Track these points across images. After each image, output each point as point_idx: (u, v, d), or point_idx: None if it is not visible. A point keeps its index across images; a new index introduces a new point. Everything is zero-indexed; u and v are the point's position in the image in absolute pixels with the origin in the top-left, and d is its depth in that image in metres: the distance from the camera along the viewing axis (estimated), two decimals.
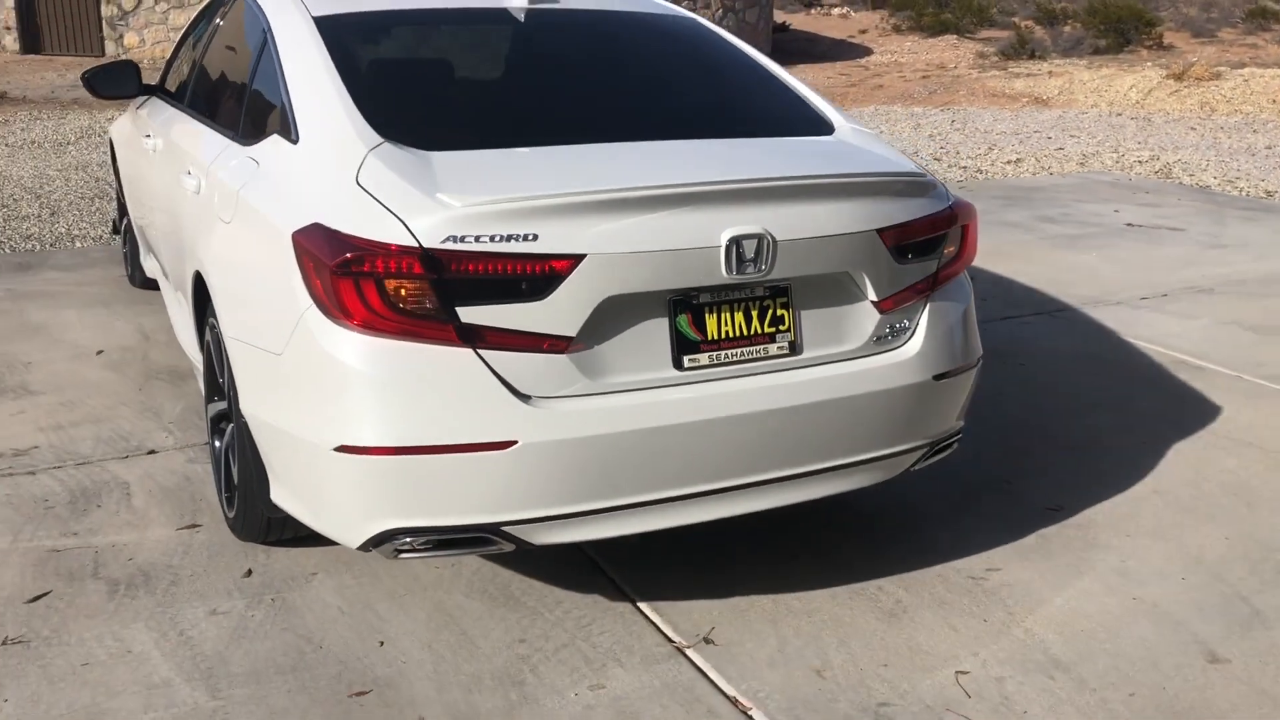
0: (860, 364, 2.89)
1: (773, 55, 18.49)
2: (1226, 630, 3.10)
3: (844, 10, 31.53)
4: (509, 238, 2.46)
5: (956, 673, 2.88)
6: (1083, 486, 3.93)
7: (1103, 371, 5.08)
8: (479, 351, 2.50)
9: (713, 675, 2.83)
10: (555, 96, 3.27)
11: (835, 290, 2.86)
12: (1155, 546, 3.54)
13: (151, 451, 3.94)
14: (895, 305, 2.93)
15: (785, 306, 2.80)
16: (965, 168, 10.73)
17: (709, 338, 2.71)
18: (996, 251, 7.17)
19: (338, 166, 2.69)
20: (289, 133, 2.95)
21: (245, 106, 3.37)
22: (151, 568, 3.21)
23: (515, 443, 2.50)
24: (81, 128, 11.38)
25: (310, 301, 2.55)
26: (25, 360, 4.73)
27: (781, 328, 2.80)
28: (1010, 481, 3.95)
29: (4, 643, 2.85)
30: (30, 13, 16.87)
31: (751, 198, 2.66)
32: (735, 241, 2.63)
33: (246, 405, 2.88)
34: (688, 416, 2.66)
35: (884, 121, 13.75)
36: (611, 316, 2.59)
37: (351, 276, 2.47)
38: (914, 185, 2.96)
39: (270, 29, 3.32)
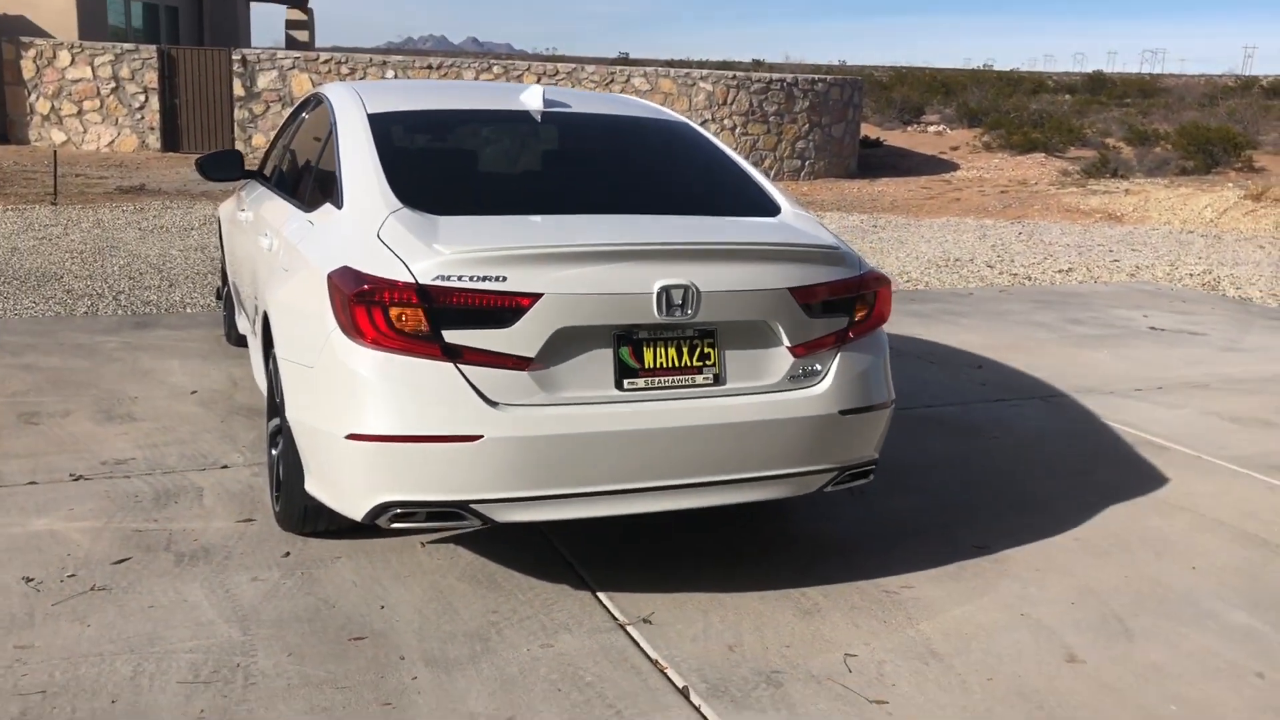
0: (775, 396, 3.56)
1: (859, 169, 19.29)
2: (1093, 641, 3.63)
3: (940, 128, 32.39)
4: (484, 278, 3.23)
5: (846, 655, 3.46)
6: (1013, 533, 4.47)
7: (1071, 447, 5.60)
8: (458, 365, 3.25)
9: (643, 645, 3.47)
10: (549, 179, 4.09)
11: (756, 335, 3.55)
12: (1058, 579, 4.07)
13: (224, 466, 4.76)
14: (808, 351, 3.61)
15: (712, 346, 3.50)
16: (1015, 274, 11.27)
17: (645, 366, 3.42)
18: (1014, 346, 7.71)
19: (367, 225, 3.51)
20: (338, 201, 3.78)
21: (311, 182, 4.24)
22: (211, 547, 3.98)
23: (481, 437, 3.23)
24: (205, 216, 12.67)
25: (335, 325, 3.34)
26: (133, 396, 5.64)
27: (708, 362, 3.49)
28: (948, 526, 4.51)
29: (93, 589, 3.63)
30: (172, 115, 18.65)
31: (681, 257, 3.39)
32: (665, 290, 3.35)
33: (290, 411, 3.67)
34: (624, 426, 3.35)
35: (952, 232, 14.36)
36: (565, 344, 3.32)
37: (365, 304, 3.25)
38: (825, 255, 3.65)
39: (335, 123, 4.20)
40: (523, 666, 3.30)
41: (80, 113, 18.47)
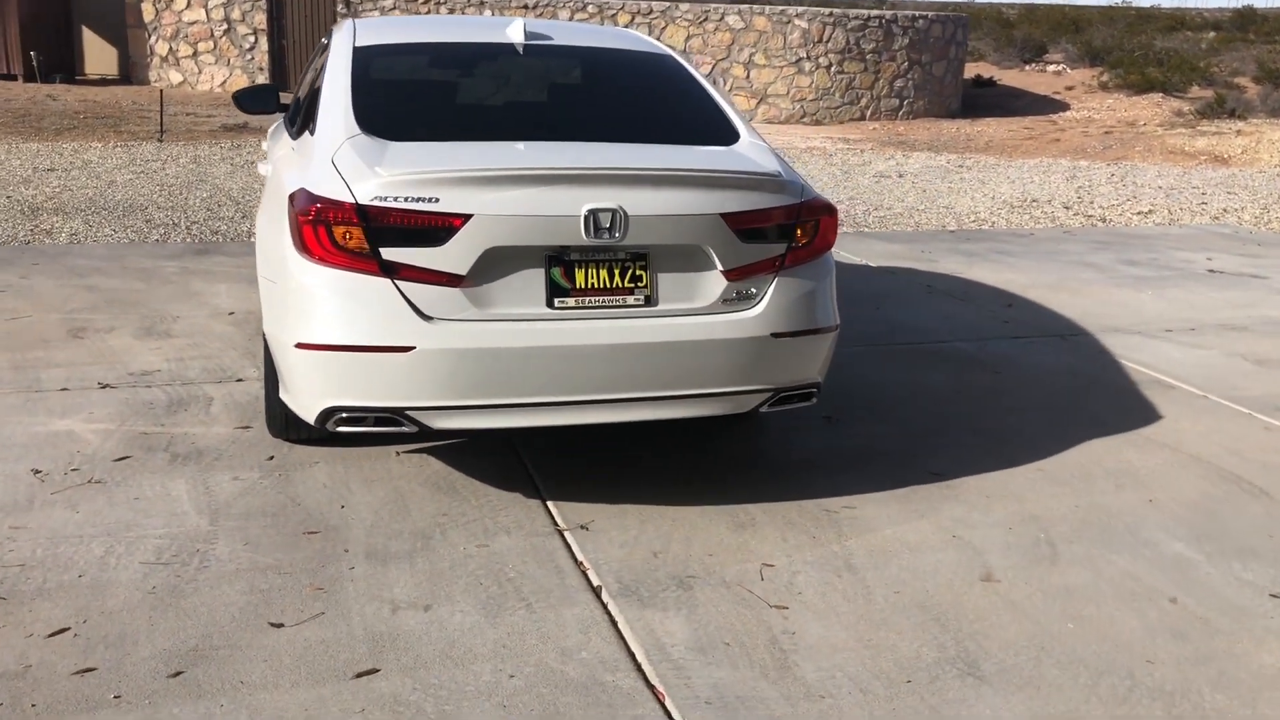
0: (706, 318, 3.71)
1: (962, 108, 18.88)
2: (1016, 563, 3.72)
3: (1060, 67, 31.27)
4: (418, 199, 3.45)
5: (763, 565, 3.63)
6: (974, 461, 4.54)
7: (1070, 383, 5.59)
8: (395, 281, 3.48)
9: (574, 548, 3.69)
10: (512, 108, 4.27)
11: (689, 259, 3.69)
12: (1003, 505, 4.15)
13: (239, 380, 5.12)
14: (742, 276, 3.74)
15: (644, 268, 3.66)
16: (1090, 216, 11.03)
17: (577, 286, 3.61)
18: (1056, 286, 7.63)
19: (327, 150, 3.75)
20: (313, 129, 4.04)
21: (301, 113, 4.51)
22: (205, 450, 4.33)
23: (414, 348, 3.47)
24: None
25: (290, 242, 3.61)
26: (175, 315, 6.06)
27: (640, 284, 3.66)
28: (912, 454, 4.60)
29: (90, 481, 4.01)
30: (280, 55, 19.31)
31: (609, 181, 3.55)
32: (593, 213, 3.52)
33: (265, 324, 3.97)
34: (553, 342, 3.55)
35: (1041, 173, 14.04)
36: (497, 263, 3.53)
37: (311, 223, 3.51)
38: (759, 182, 3.76)
39: (327, 57, 4.45)
40: (454, 562, 3.56)
41: (195, 54, 19.25)
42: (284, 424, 4.23)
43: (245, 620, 3.19)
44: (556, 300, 3.60)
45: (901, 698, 2.97)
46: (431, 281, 3.49)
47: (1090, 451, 4.70)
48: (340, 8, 18.96)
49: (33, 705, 2.79)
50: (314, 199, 3.54)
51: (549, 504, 4.00)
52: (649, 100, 4.51)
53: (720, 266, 3.71)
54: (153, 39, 19.13)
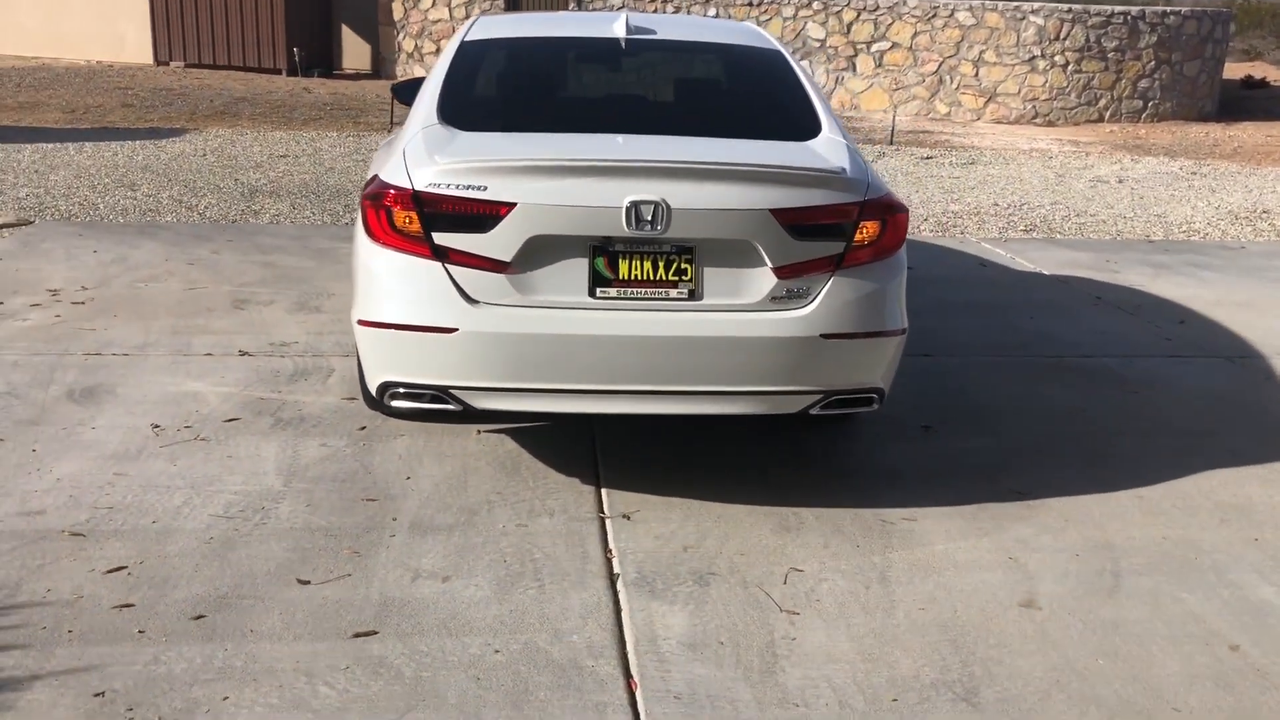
0: (752, 315, 3.67)
1: (1219, 111, 17.59)
2: (1068, 591, 3.50)
3: None
4: (467, 187, 3.58)
5: (791, 569, 3.57)
6: (1065, 482, 4.28)
7: (1215, 409, 5.16)
8: (445, 265, 3.63)
9: (609, 535, 3.74)
10: (589, 101, 4.34)
11: (738, 254, 3.66)
12: (1080, 531, 3.90)
13: None
14: (793, 274, 3.67)
15: (689, 262, 3.65)
16: None
17: (620, 277, 3.64)
18: (1246, 304, 7.03)
19: (405, 139, 3.95)
20: (407, 120, 4.25)
21: (412, 105, 4.74)
22: (308, 417, 4.63)
23: (457, 329, 3.60)
24: None
25: (361, 225, 3.82)
26: (330, 293, 6.47)
27: (684, 278, 3.66)
28: (999, 469, 4.39)
29: (196, 439, 4.38)
30: None
31: (653, 174, 3.56)
32: (635, 205, 3.54)
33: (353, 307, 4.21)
34: (593, 331, 3.61)
35: (1269, 180, 12.88)
36: (542, 251, 3.61)
37: (375, 207, 3.70)
38: (817, 179, 3.67)
39: (441, 51, 4.66)
40: (488, 538, 3.68)
41: (438, 50, 20.28)
42: (374, 397, 4.46)
43: (278, 575, 3.41)
44: (599, 290, 3.65)
45: (879, 715, 2.87)
46: (478, 266, 3.61)
47: (1206, 482, 4.34)
48: (572, 6, 19.56)
49: (69, 631, 3.09)
50: (380, 184, 3.73)
51: (602, 490, 4.06)
52: (736, 94, 4.48)
53: (770, 263, 3.66)
54: (400, 36, 20.31)
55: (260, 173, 10.72)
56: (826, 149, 3.93)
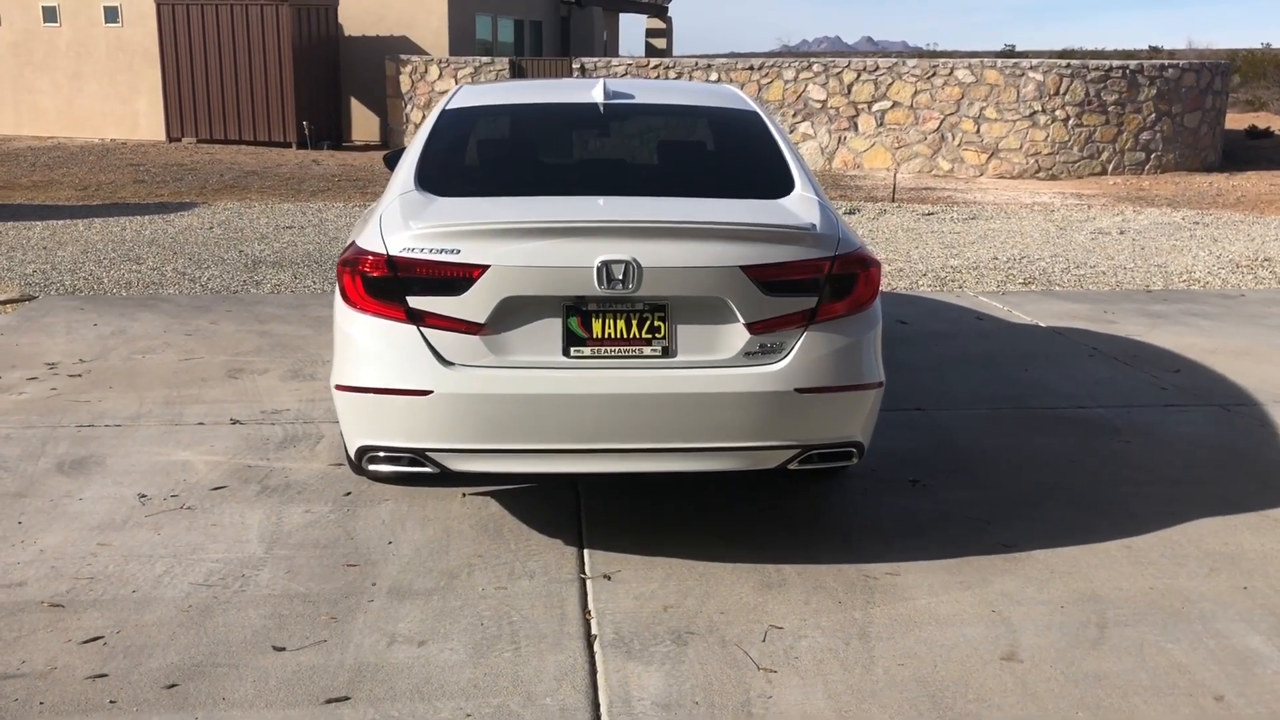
0: (726, 371, 3.68)
1: (1223, 161, 17.68)
2: (1050, 644, 3.45)
3: None
4: (440, 250, 3.62)
5: (771, 627, 3.54)
6: (1053, 534, 4.25)
7: (1209, 458, 5.12)
8: (420, 328, 3.66)
9: (589, 596, 3.72)
10: (564, 165, 4.39)
11: (710, 311, 3.68)
12: (1066, 583, 3.86)
13: None
14: (766, 329, 3.69)
15: (662, 319, 3.68)
16: None
17: (593, 336, 3.67)
18: (1244, 353, 7.00)
19: (384, 206, 4.00)
20: (388, 187, 4.31)
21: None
22: (294, 484, 4.65)
23: (432, 392, 3.62)
24: None
25: (339, 290, 3.86)
26: (325, 360, 6.51)
27: (658, 335, 3.68)
28: (988, 522, 4.35)
29: (181, 507, 4.39)
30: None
31: (623, 234, 3.60)
32: (606, 265, 3.58)
33: None
34: (568, 390, 3.62)
35: (1271, 228, 12.88)
36: (516, 312, 3.64)
37: (350, 272, 3.75)
38: (786, 235, 3.70)
39: (423, 120, 4.74)
40: (467, 602, 3.67)
41: None
42: (357, 462, 4.47)
43: (253, 642, 3.40)
44: (573, 349, 3.67)
45: None
46: (452, 329, 3.64)
47: (1197, 531, 4.29)
48: (576, 74, 19.85)
49: (41, 703, 3.08)
50: (356, 250, 3.78)
51: (585, 551, 4.05)
52: (711, 154, 4.53)
53: (742, 319, 3.67)
54: (408, 107, 20.63)
55: (265, 244, 10.85)
56: (798, 206, 3.96)
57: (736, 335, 3.69)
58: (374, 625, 3.51)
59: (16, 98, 21.92)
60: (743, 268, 3.64)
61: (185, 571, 3.85)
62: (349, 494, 4.54)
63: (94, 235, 11.04)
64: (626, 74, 19.58)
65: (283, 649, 3.37)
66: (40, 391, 5.78)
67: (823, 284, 3.74)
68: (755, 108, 4.80)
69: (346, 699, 3.12)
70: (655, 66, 19.56)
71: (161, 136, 20.77)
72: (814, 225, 3.78)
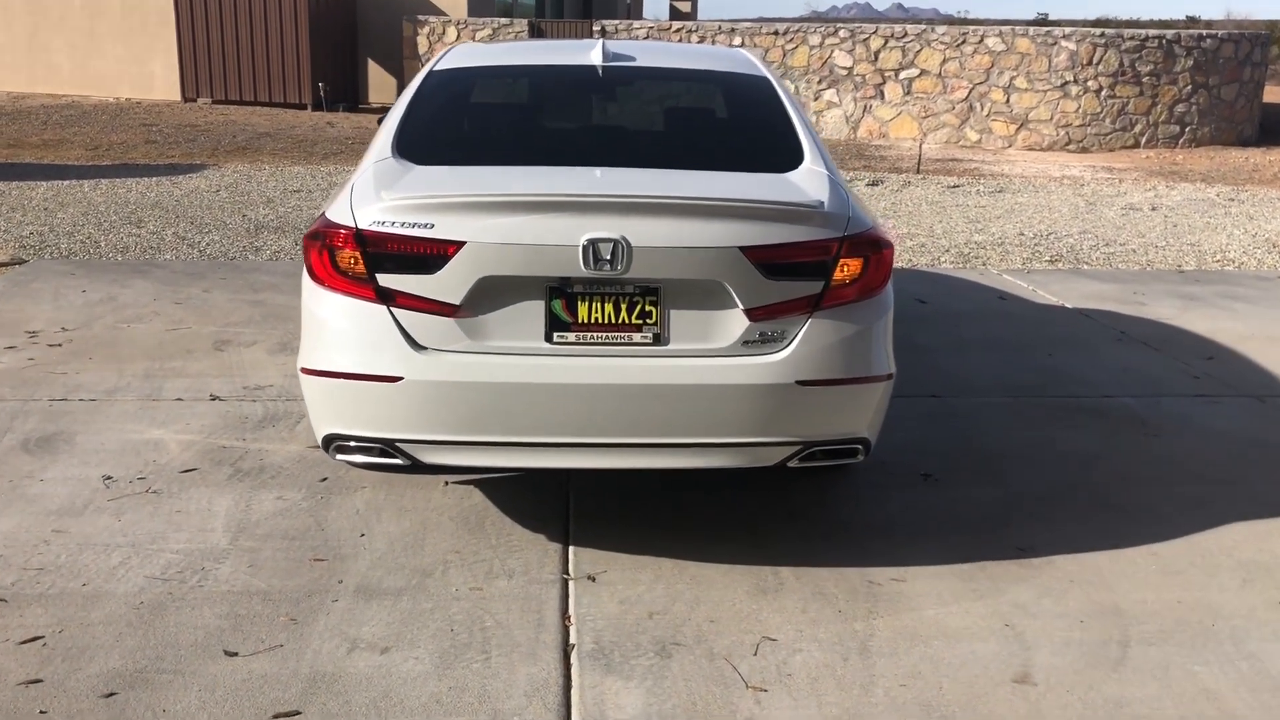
0: (722, 361, 3.38)
1: (1261, 135, 17.14)
2: (1068, 664, 3.17)
3: None
4: (413, 225, 3.33)
5: (764, 638, 3.27)
6: (1074, 537, 3.95)
7: (1244, 454, 4.80)
8: (390, 309, 3.38)
9: (571, 600, 3.46)
10: (556, 133, 4.07)
11: (706, 296, 3.38)
12: (1086, 593, 3.57)
13: None
14: (767, 316, 3.39)
15: (654, 304, 3.38)
16: None
17: (578, 321, 3.38)
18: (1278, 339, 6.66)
19: (357, 174, 3.71)
20: (365, 154, 4.02)
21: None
22: (269, 467, 4.39)
23: (402, 378, 3.35)
24: None
25: (305, 267, 3.59)
26: None
27: (649, 321, 3.38)
28: (1004, 523, 4.06)
29: (147, 491, 4.14)
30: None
31: (612, 210, 3.30)
32: (592, 243, 3.28)
33: None
34: (549, 380, 3.34)
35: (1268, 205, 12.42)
36: (494, 294, 3.35)
37: (316, 247, 3.47)
38: (791, 213, 3.39)
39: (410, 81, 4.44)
40: (438, 604, 3.41)
41: None
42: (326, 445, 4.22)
43: (204, 646, 3.16)
44: (556, 335, 3.38)
45: None
46: (425, 310, 3.36)
47: (1230, 536, 3.99)
48: (596, 36, 19.44)
49: None
50: (324, 222, 3.50)
51: (570, 548, 3.78)
52: (714, 124, 4.21)
53: (741, 305, 3.38)
54: None
55: (270, 208, 10.59)
56: (805, 181, 3.65)
57: (734, 322, 3.40)
58: (336, 629, 3.26)
59: (32, 57, 21.69)
60: (742, 249, 3.34)
61: (142, 563, 3.61)
62: (325, 480, 4.28)
63: (98, 197, 10.80)
64: (648, 36, 19.16)
65: (235, 654, 3.12)
66: (16, 362, 5.54)
67: (830, 267, 3.43)
68: (766, 73, 4.47)
69: (297, 714, 2.87)
70: (677, 30, 19.12)
71: (176, 97, 20.51)
72: (821, 203, 3.47)
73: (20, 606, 3.33)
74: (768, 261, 3.37)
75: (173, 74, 20.57)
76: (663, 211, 3.33)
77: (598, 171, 3.64)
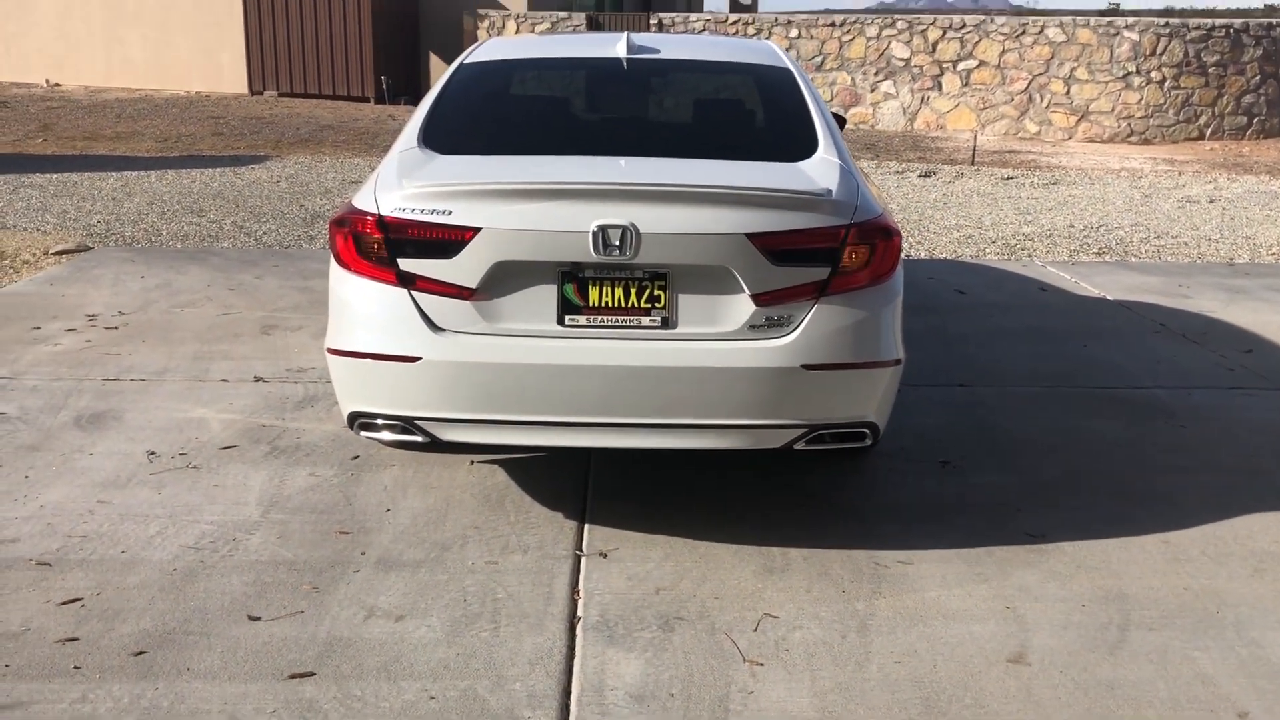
0: (728, 344, 3.47)
1: None
2: (1065, 646, 3.22)
3: None
4: (432, 211, 3.47)
5: (765, 615, 3.36)
6: (1086, 524, 3.98)
7: (1272, 447, 4.78)
8: (411, 292, 3.52)
9: (580, 574, 3.57)
10: (576, 123, 4.19)
11: (714, 281, 3.47)
12: (1091, 579, 3.61)
13: None
14: (773, 301, 3.47)
15: (663, 289, 3.48)
16: None
17: (590, 304, 3.49)
18: None
19: (384, 163, 3.86)
20: (393, 144, 4.17)
21: None
22: (305, 445, 4.57)
23: (420, 359, 3.49)
24: None
25: (332, 252, 3.74)
26: None
27: (657, 305, 3.49)
28: (1017, 509, 4.10)
29: (188, 466, 4.34)
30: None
31: (622, 197, 3.40)
32: (602, 229, 3.39)
33: None
34: (561, 360, 3.46)
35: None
36: (509, 278, 3.48)
37: (342, 233, 3.62)
38: (798, 201, 3.47)
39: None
40: (453, 576, 3.55)
41: None
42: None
43: (231, 610, 3.33)
44: (568, 318, 3.50)
45: None
46: (443, 293, 3.50)
47: (1245, 527, 3.99)
48: (653, 29, 19.52)
49: (6, 665, 3.04)
50: (349, 209, 3.65)
51: (586, 526, 3.90)
52: (731, 114, 4.30)
53: (748, 290, 3.46)
54: None
55: (328, 199, 10.84)
56: (816, 170, 3.72)
57: (741, 307, 3.49)
58: (354, 597, 3.41)
59: (108, 50, 22.31)
60: (749, 235, 3.43)
61: (178, 533, 3.79)
62: (356, 457, 4.44)
63: (164, 187, 11.14)
64: (704, 30, 19.20)
65: (258, 619, 3.28)
66: (75, 343, 5.79)
67: (837, 254, 3.50)
68: (788, 64, 4.55)
69: (311, 674, 3.02)
70: (735, 22, 19.15)
71: (244, 89, 20.98)
72: (829, 191, 3.54)
73: (63, 570, 3.53)
74: (773, 248, 3.45)
75: (240, 67, 21.04)
76: (670, 199, 3.43)
77: (610, 160, 3.75)
